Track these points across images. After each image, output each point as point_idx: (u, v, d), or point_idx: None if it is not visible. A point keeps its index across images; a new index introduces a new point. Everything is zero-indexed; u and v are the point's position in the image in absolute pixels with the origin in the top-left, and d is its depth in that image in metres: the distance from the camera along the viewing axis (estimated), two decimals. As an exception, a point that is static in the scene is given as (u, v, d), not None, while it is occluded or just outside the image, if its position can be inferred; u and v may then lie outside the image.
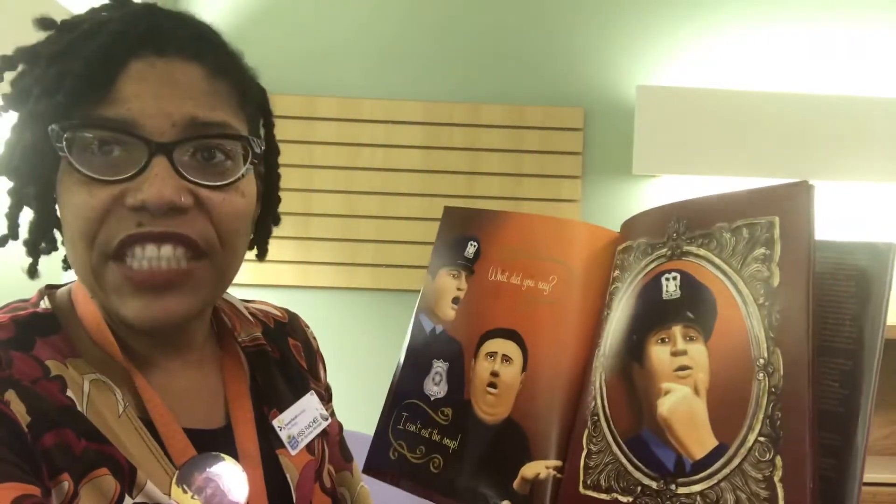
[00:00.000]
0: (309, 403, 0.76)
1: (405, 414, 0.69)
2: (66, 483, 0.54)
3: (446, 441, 0.65)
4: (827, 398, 0.50)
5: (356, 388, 2.35)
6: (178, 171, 0.57)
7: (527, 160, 2.38)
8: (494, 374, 0.63)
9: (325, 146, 2.38)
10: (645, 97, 2.25)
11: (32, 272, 0.65)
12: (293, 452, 0.70)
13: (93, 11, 0.62)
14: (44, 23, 0.62)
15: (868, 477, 2.27)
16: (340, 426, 0.86)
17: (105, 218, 0.57)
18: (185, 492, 0.59)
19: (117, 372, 0.62)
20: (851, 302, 0.51)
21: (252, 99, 0.66)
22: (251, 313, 0.80)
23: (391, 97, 2.39)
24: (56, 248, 0.65)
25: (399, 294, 2.38)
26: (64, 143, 0.56)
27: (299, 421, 0.73)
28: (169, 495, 0.59)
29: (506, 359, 0.63)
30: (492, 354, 0.64)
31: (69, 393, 0.58)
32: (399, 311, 2.38)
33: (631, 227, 0.63)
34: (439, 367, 0.68)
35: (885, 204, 2.36)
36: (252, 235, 0.71)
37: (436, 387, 0.68)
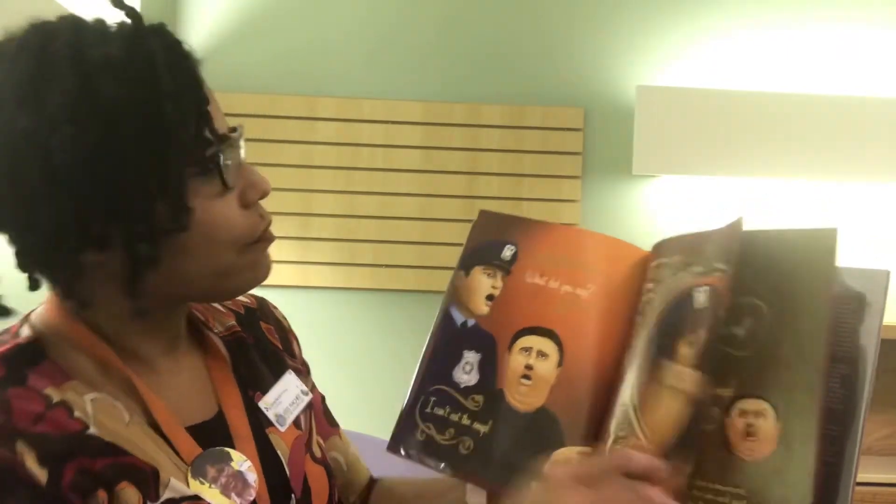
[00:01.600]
0: (289, 382, 0.80)
1: (433, 399, 0.74)
2: (102, 497, 0.58)
3: (477, 425, 0.71)
4: (830, 397, 0.60)
5: (356, 387, 2.35)
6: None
7: (527, 160, 2.38)
8: (529, 367, 0.70)
9: (325, 146, 2.38)
10: (645, 97, 2.25)
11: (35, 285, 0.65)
12: (282, 429, 0.75)
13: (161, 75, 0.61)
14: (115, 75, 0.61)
15: (868, 477, 2.27)
16: (322, 397, 0.90)
17: (236, 220, 0.65)
18: (202, 483, 0.64)
19: (115, 383, 0.64)
20: (851, 318, 0.63)
21: None
22: (222, 304, 0.83)
23: (391, 97, 2.39)
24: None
25: (399, 294, 2.38)
26: (218, 163, 0.64)
27: (283, 399, 0.77)
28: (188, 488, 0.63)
29: (541, 354, 0.70)
30: (527, 349, 0.71)
31: (77, 414, 0.60)
32: (399, 310, 2.38)
33: (665, 247, 0.73)
34: (470, 357, 0.74)
35: (885, 204, 2.36)
36: None
37: (466, 375, 0.74)
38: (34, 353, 0.62)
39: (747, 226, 0.67)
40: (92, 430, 0.60)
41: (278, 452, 0.73)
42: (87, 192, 0.58)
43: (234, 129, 0.67)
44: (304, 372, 0.86)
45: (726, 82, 2.35)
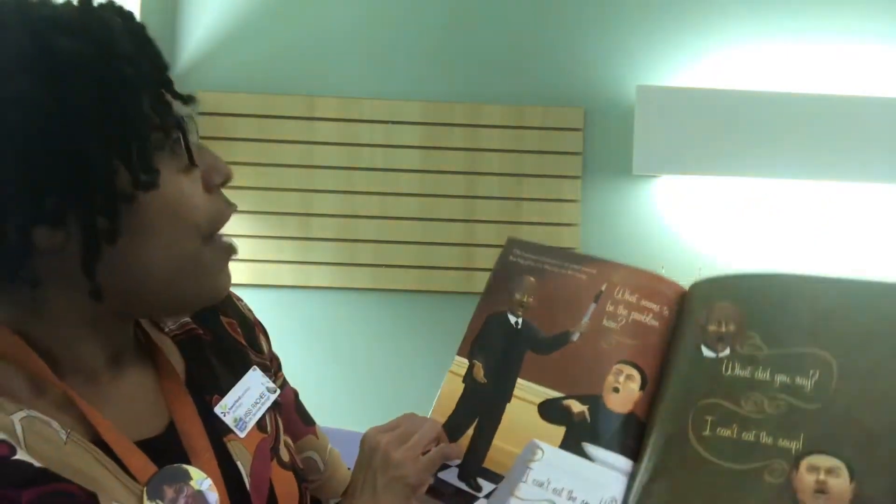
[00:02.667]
0: (253, 380, 0.75)
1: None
2: None
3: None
4: None
5: (355, 387, 2.35)
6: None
7: (527, 160, 2.38)
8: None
9: (325, 146, 2.38)
10: (645, 97, 2.25)
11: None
12: (242, 435, 0.69)
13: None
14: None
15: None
16: (295, 392, 0.85)
17: (200, 204, 0.61)
18: None
19: (50, 399, 0.58)
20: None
21: None
22: None
23: (391, 97, 2.39)
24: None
25: (399, 294, 2.39)
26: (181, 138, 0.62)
27: (244, 401, 0.73)
28: None
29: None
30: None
31: (2, 436, 0.53)
32: (399, 311, 2.38)
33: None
34: None
35: (885, 204, 2.36)
36: None
37: None
38: None
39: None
40: (20, 455, 0.52)
41: (238, 464, 0.67)
42: (43, 154, 0.53)
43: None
44: (271, 369, 0.81)
45: (726, 82, 2.35)
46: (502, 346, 0.82)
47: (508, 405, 0.79)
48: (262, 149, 2.31)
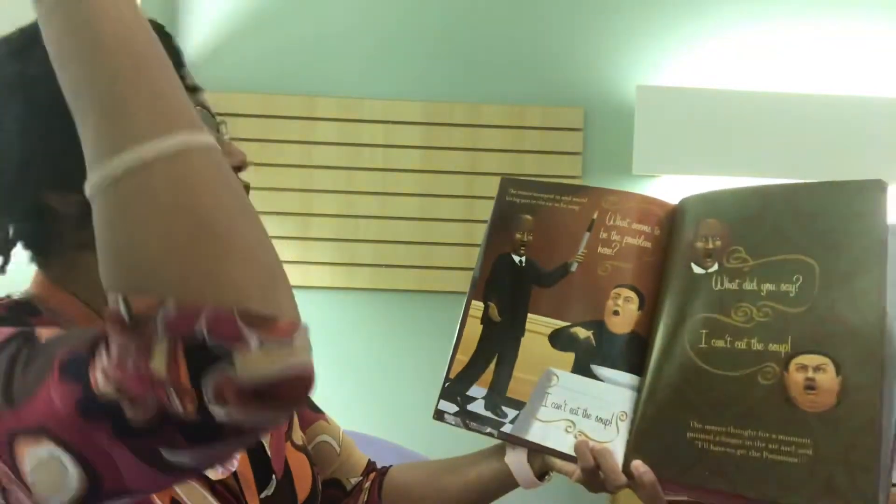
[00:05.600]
0: None
1: None
2: None
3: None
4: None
5: (356, 387, 2.35)
6: None
7: (527, 160, 2.38)
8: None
9: (325, 146, 2.38)
10: (645, 97, 2.25)
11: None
12: None
13: None
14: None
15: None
16: None
17: None
18: None
19: None
20: None
21: None
22: None
23: (391, 97, 2.39)
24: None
25: (399, 294, 2.38)
26: None
27: None
28: None
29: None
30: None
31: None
32: (399, 311, 2.38)
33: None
34: None
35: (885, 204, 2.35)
36: None
37: None
38: (31, 308, 0.63)
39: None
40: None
41: (262, 440, 0.73)
42: (63, 120, 0.55)
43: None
44: None
45: (726, 82, 2.35)
46: (510, 286, 0.87)
47: (523, 339, 0.85)
48: (262, 149, 2.31)
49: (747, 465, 0.68)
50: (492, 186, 2.59)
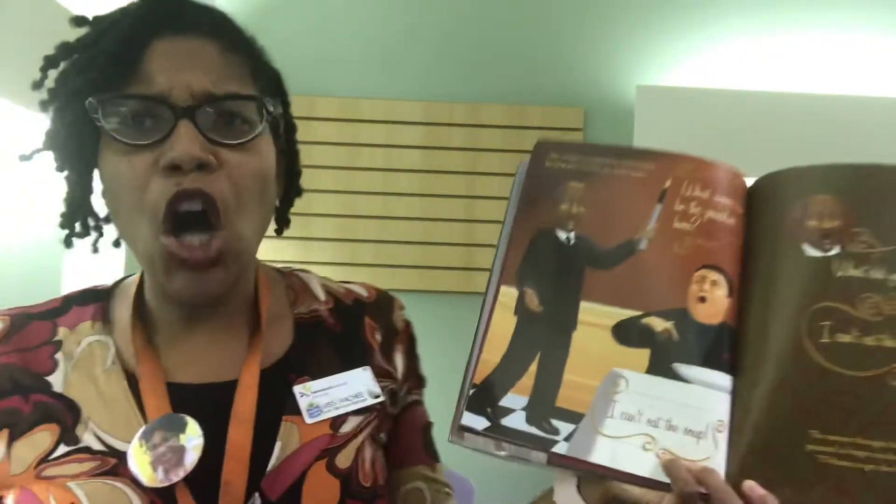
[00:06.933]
0: (356, 377, 0.74)
1: None
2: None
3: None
4: None
5: (356, 388, 2.35)
6: (200, 132, 0.63)
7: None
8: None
9: (325, 146, 2.38)
10: (645, 97, 2.25)
11: (68, 243, 0.72)
12: (309, 421, 0.69)
13: (121, 7, 0.68)
14: (78, 20, 0.69)
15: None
16: (428, 424, 0.83)
17: (147, 184, 0.62)
18: (141, 446, 0.63)
19: (131, 334, 0.69)
20: None
21: (264, 75, 0.74)
22: (327, 290, 0.83)
23: (391, 97, 2.39)
24: (88, 234, 0.72)
25: (399, 294, 2.38)
26: (100, 113, 0.63)
27: (333, 392, 0.72)
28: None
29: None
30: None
31: (57, 355, 0.68)
32: (399, 311, 2.37)
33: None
34: None
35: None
36: (276, 204, 0.81)
37: None
38: (95, 296, 0.73)
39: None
40: (52, 377, 0.67)
41: (278, 444, 0.67)
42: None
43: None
44: (398, 379, 0.79)
45: (727, 82, 2.35)
46: (555, 268, 0.70)
47: (575, 333, 0.68)
48: (262, 149, 2.31)
49: (878, 481, 0.59)
50: (492, 186, 2.59)
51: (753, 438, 0.63)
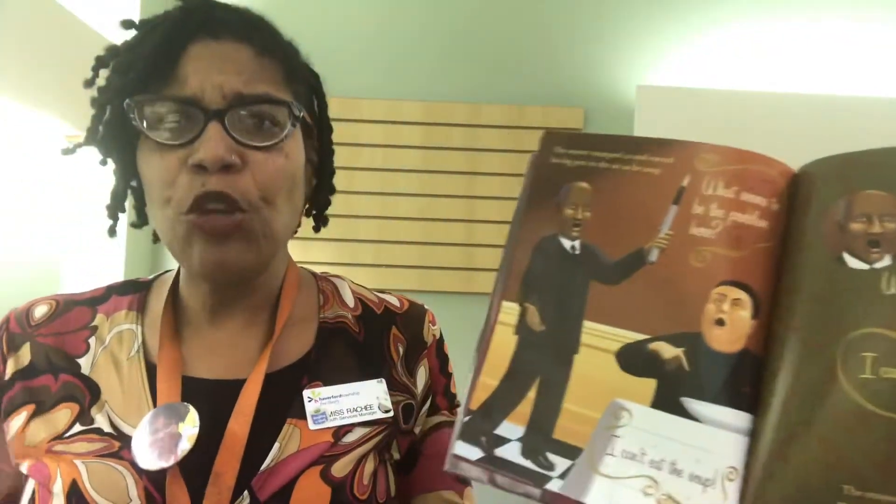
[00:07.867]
0: (369, 389, 0.73)
1: None
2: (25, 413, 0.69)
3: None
4: None
5: (356, 388, 2.35)
6: (229, 134, 0.65)
7: (527, 160, 2.37)
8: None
9: (325, 146, 2.38)
10: (645, 97, 2.25)
11: (112, 232, 0.77)
12: (313, 426, 0.69)
13: (164, 12, 0.72)
14: (125, 24, 0.73)
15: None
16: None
17: (176, 180, 0.65)
18: (146, 430, 0.66)
19: (165, 324, 0.73)
20: None
21: (298, 77, 0.78)
22: (358, 297, 0.84)
23: (391, 97, 2.39)
24: (121, 213, 0.77)
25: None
26: (136, 113, 0.65)
27: (343, 401, 0.71)
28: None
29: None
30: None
31: (91, 340, 0.72)
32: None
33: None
34: None
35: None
36: (307, 204, 0.86)
37: None
38: (136, 286, 0.78)
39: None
40: (83, 359, 0.71)
41: (276, 444, 0.67)
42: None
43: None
44: (416, 395, 0.78)
45: (726, 82, 2.35)
46: (558, 281, 0.62)
47: (576, 356, 0.59)
48: (262, 149, 2.31)
49: None
50: (492, 187, 2.58)
51: (770, 491, 0.52)
